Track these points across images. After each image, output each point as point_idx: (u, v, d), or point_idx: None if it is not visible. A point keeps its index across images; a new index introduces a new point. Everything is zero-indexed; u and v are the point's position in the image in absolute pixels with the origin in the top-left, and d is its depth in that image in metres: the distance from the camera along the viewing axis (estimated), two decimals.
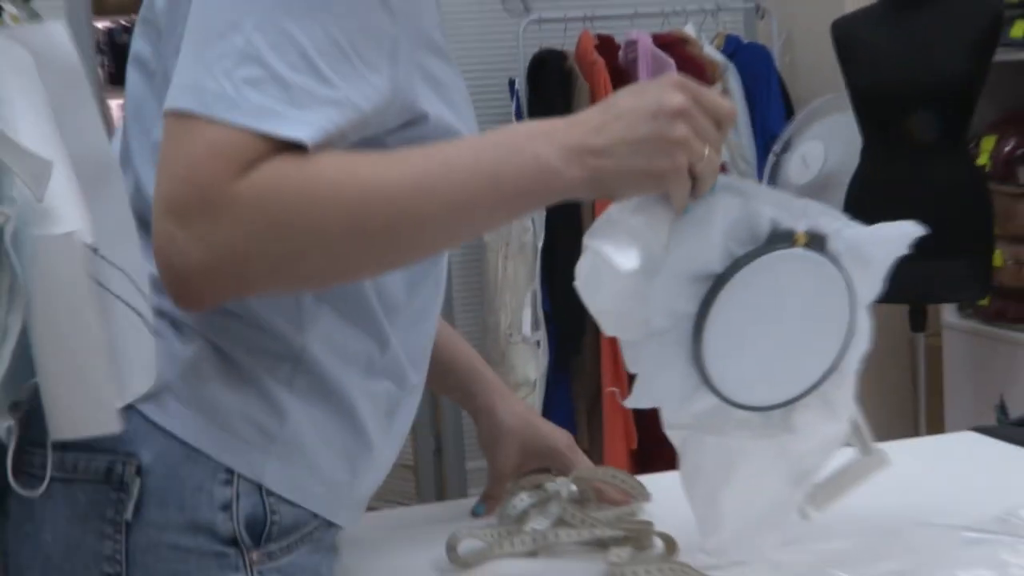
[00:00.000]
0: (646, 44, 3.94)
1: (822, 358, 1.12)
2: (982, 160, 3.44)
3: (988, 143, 3.47)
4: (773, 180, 3.97)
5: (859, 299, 1.10)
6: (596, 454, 3.90)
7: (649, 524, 1.40)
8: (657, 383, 1.09)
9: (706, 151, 1.00)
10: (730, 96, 3.98)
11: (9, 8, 2.53)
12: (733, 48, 4.13)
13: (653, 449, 3.68)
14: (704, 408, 1.11)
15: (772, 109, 4.10)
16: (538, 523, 1.44)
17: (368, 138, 1.03)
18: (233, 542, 1.05)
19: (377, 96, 1.00)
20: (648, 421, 3.79)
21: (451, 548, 1.38)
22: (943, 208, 3.16)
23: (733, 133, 3.96)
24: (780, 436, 1.15)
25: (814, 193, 3.62)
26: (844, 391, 1.17)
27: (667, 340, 1.06)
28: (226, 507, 1.04)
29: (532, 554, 1.40)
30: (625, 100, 1.01)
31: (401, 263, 1.09)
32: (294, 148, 0.94)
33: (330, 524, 1.14)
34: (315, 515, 1.11)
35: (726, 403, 1.11)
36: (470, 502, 1.57)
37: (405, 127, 1.06)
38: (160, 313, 1.05)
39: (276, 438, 1.07)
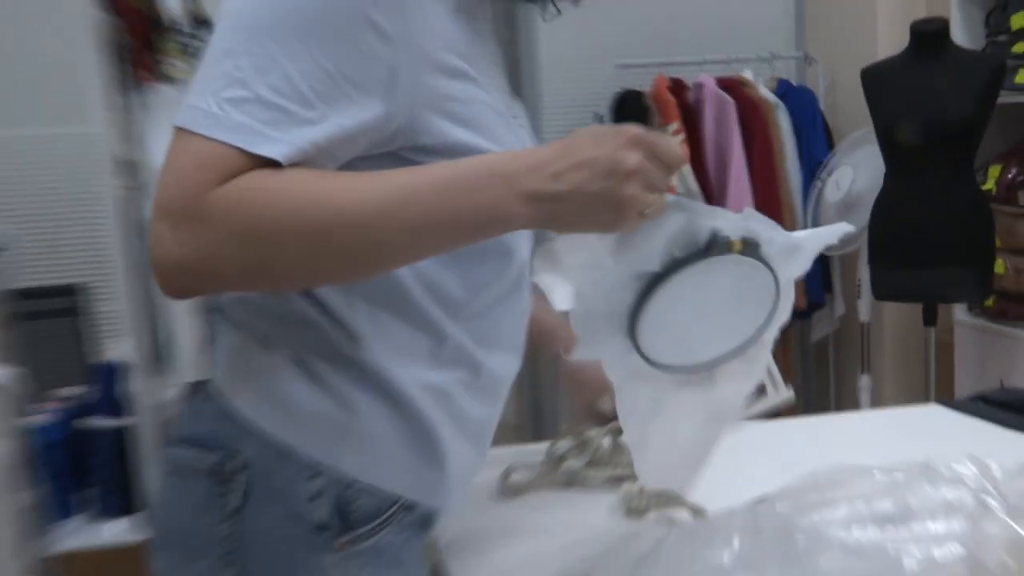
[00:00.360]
0: (711, 86, 4.03)
1: (744, 333, 1.17)
2: (988, 186, 3.45)
3: (994, 171, 3.47)
4: (817, 200, 3.99)
5: (784, 288, 1.13)
6: None
7: None
8: (598, 346, 1.12)
9: (655, 198, 0.99)
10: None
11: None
12: (784, 90, 4.17)
13: None
14: (637, 365, 1.13)
15: (816, 142, 4.11)
16: (574, 463, 1.54)
17: (391, 153, 1.03)
18: (322, 528, 1.07)
19: (365, 116, 0.99)
20: None
21: (504, 478, 1.50)
22: (953, 225, 3.33)
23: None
24: (703, 384, 1.19)
25: (845, 210, 3.81)
26: (763, 351, 1.22)
27: (611, 316, 1.09)
28: (314, 498, 1.07)
29: (568, 486, 1.52)
30: (584, 149, 0.97)
31: (365, 276, 1.06)
32: (271, 164, 0.95)
33: (412, 507, 1.13)
34: (393, 500, 1.11)
35: (655, 367, 1.15)
36: (529, 447, 1.63)
37: (426, 147, 1.04)
38: (252, 327, 1.12)
39: (350, 432, 1.08)
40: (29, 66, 3.70)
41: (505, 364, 1.22)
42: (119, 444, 2.25)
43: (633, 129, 0.99)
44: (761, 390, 1.37)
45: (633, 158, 0.96)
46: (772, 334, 1.20)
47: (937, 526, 1.02)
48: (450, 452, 1.14)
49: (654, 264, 1.05)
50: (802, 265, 1.15)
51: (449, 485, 1.16)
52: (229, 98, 0.93)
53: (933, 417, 1.75)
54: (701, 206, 1.05)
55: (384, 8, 0.99)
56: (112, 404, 1.99)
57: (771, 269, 1.09)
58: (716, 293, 1.10)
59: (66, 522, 1.93)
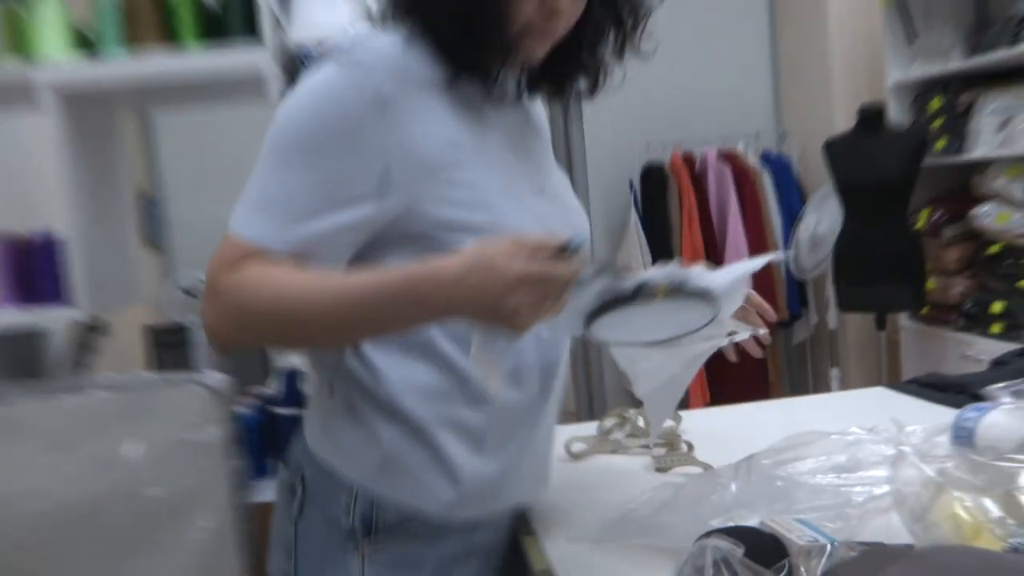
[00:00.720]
0: (712, 157, 4.06)
1: (685, 329, 1.04)
2: (920, 225, 3.47)
3: (924, 214, 3.48)
4: (794, 239, 3.96)
5: (719, 305, 0.98)
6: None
7: (678, 436, 1.45)
8: (563, 326, 0.96)
9: (548, 307, 0.85)
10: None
11: None
12: (767, 158, 4.15)
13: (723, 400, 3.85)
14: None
15: (792, 196, 4.10)
16: (618, 435, 1.51)
17: (411, 234, 0.96)
18: (351, 534, 1.02)
19: (356, 216, 0.93)
20: (721, 383, 4.07)
21: (567, 447, 1.46)
22: (895, 254, 3.35)
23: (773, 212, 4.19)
24: (670, 348, 1.10)
25: (814, 246, 3.79)
26: (721, 325, 1.10)
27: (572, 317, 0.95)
28: (347, 510, 1.02)
29: (613, 452, 1.48)
30: (478, 277, 0.84)
31: (330, 347, 1.01)
32: (272, 254, 0.91)
33: (428, 519, 1.03)
34: (411, 514, 1.03)
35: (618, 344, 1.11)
36: (583, 425, 1.55)
37: (424, 232, 0.96)
38: (323, 376, 1.07)
39: (377, 459, 1.01)
40: None
41: (522, 394, 1.06)
42: (298, 427, 2.30)
43: (524, 258, 0.83)
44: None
45: (515, 298, 0.83)
46: (728, 312, 1.09)
47: (875, 472, 1.02)
48: (464, 472, 1.03)
49: (588, 309, 0.94)
50: (739, 289, 1.06)
51: (468, 499, 1.04)
52: (250, 207, 0.93)
53: (880, 397, 1.73)
54: (626, 272, 0.93)
55: (371, 124, 0.92)
56: (292, 398, 2.05)
57: (703, 297, 0.95)
58: (652, 319, 0.98)
59: (260, 481, 1.99)
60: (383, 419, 1.01)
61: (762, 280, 3.96)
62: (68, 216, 1.71)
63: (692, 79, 4.37)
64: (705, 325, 1.03)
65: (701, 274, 0.96)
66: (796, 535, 0.93)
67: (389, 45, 0.97)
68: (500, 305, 0.83)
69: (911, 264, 3.36)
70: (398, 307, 0.88)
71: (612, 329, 0.98)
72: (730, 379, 3.98)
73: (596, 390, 4.29)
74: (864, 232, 3.43)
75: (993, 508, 0.76)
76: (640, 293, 0.93)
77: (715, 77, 4.41)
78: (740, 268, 1.04)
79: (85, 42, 1.86)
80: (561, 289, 0.85)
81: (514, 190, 1.03)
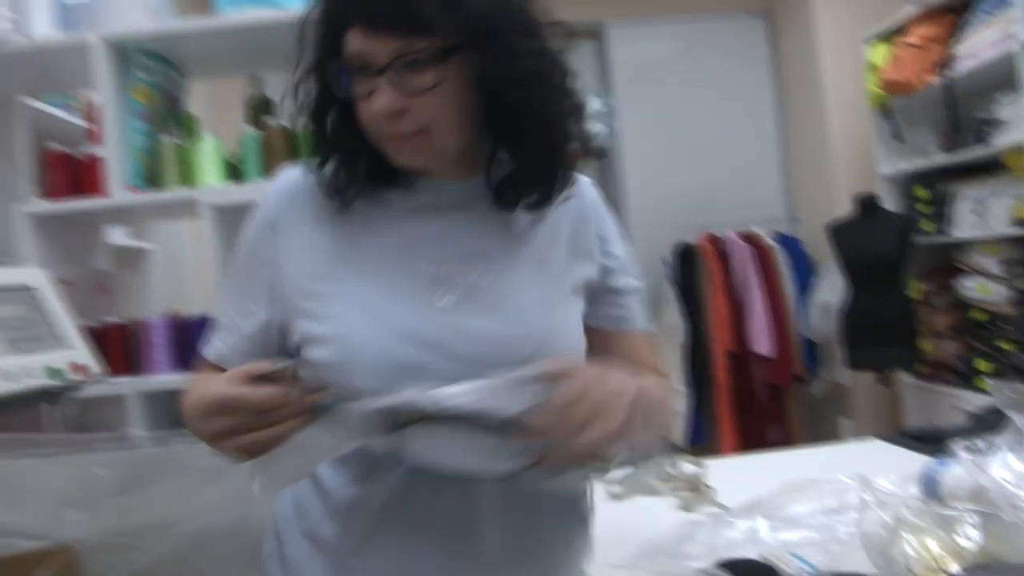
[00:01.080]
0: (734, 239, 4.05)
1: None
2: (914, 294, 3.43)
3: (917, 285, 3.45)
4: (806, 307, 3.95)
5: (498, 413, 0.70)
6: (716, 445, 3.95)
7: (702, 481, 1.44)
8: (299, 459, 0.75)
9: (247, 437, 0.70)
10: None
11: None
12: (782, 239, 4.11)
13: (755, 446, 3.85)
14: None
15: (804, 271, 4.04)
16: (649, 479, 1.49)
17: (295, 344, 0.86)
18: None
19: (257, 323, 0.87)
20: (749, 431, 4.07)
21: (606, 489, 1.42)
22: (893, 320, 3.31)
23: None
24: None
25: (824, 313, 3.75)
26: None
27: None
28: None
29: (646, 494, 1.47)
30: (191, 398, 0.78)
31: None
32: (204, 362, 0.89)
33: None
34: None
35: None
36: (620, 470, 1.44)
37: (300, 340, 0.85)
38: None
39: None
40: None
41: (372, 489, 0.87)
42: None
43: (224, 381, 0.72)
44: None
45: (215, 423, 0.71)
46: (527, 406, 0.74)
47: (852, 514, 1.03)
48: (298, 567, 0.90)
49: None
50: (516, 396, 0.72)
51: None
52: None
53: (873, 448, 1.71)
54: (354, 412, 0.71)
55: (264, 242, 0.88)
56: None
57: (457, 416, 0.71)
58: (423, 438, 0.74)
59: None
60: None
61: (781, 341, 3.97)
62: (218, 301, 1.81)
63: (716, 175, 4.41)
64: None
65: (448, 395, 0.72)
66: (788, 565, 0.99)
67: (298, 173, 0.90)
68: (200, 429, 0.75)
69: (907, 329, 3.31)
70: (190, 417, 0.79)
71: (421, 449, 0.79)
72: (757, 428, 3.98)
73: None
74: (865, 301, 3.39)
75: (934, 547, 0.81)
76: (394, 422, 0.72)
77: (735, 172, 4.45)
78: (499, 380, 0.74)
79: (234, 170, 1.95)
80: (253, 414, 0.69)
81: (379, 303, 0.84)
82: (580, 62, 3.75)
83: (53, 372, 0.98)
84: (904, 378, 3.64)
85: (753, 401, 3.97)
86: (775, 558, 1.02)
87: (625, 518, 1.39)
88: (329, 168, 0.86)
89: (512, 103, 0.79)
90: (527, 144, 0.83)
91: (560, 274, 0.89)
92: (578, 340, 0.89)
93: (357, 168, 0.86)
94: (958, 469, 1.09)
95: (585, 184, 0.96)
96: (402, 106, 0.77)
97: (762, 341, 3.90)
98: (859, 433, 3.85)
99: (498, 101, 0.78)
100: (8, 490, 1.47)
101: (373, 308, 0.83)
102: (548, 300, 0.86)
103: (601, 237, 0.96)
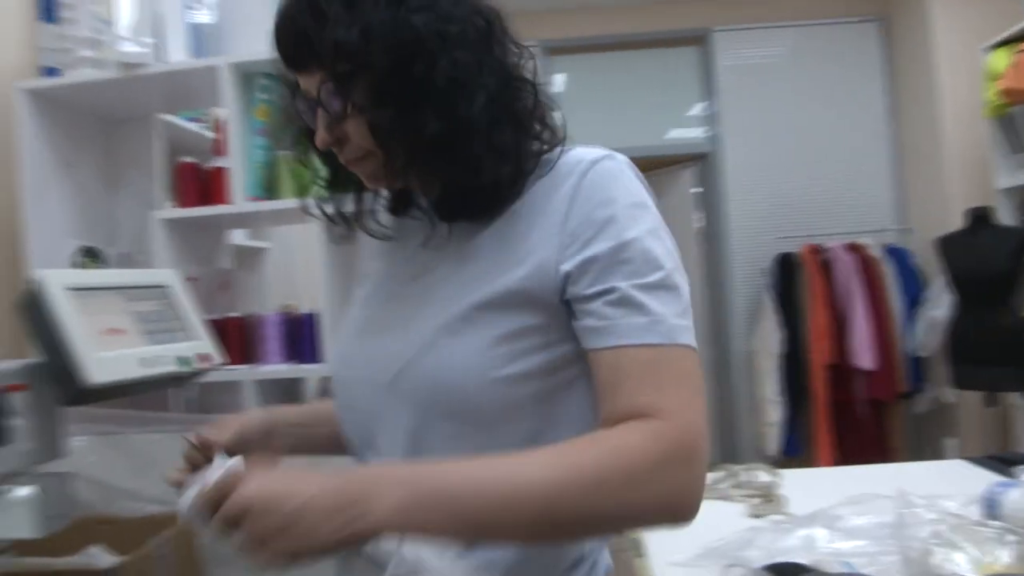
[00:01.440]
0: (838, 250, 4.01)
1: None
2: None
3: None
4: (914, 323, 3.86)
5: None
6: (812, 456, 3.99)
7: (774, 490, 1.48)
8: None
9: (278, 546, 0.59)
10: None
11: None
12: (890, 251, 4.05)
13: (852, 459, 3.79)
14: None
15: (912, 284, 3.96)
16: (723, 486, 1.56)
17: None
18: None
19: None
20: (849, 446, 3.99)
21: None
22: (1001, 341, 3.20)
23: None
24: None
25: (930, 328, 3.67)
26: None
27: None
28: None
29: (720, 499, 1.54)
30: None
31: None
32: None
33: None
34: None
35: None
36: None
37: None
38: None
39: None
40: None
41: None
42: None
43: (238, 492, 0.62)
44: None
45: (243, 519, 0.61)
46: None
47: (912, 531, 1.04)
48: None
49: None
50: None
51: None
52: None
53: (956, 468, 1.70)
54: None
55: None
56: None
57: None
58: None
59: None
60: None
61: (885, 356, 3.89)
62: (323, 298, 1.88)
63: (822, 183, 4.39)
64: None
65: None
66: (837, 572, 1.04)
67: None
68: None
69: (1016, 349, 3.18)
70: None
71: None
72: (856, 443, 3.90)
73: (728, 440, 4.30)
74: (974, 318, 3.33)
75: (962, 563, 0.85)
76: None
77: (843, 181, 4.39)
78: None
79: None
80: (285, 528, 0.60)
81: (357, 324, 0.84)
82: (683, 67, 3.80)
83: (183, 360, 1.13)
84: (1014, 399, 3.51)
85: (853, 416, 3.91)
86: (826, 565, 1.07)
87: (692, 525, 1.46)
88: (336, 198, 0.85)
89: (410, 118, 0.72)
90: (441, 157, 0.74)
91: (491, 289, 0.74)
92: (477, 365, 0.72)
93: (360, 197, 0.85)
94: (1017, 491, 1.12)
95: (579, 164, 0.75)
96: (336, 135, 0.76)
97: (864, 355, 3.84)
98: (964, 453, 3.72)
99: (403, 117, 0.72)
100: (140, 461, 1.66)
101: (351, 331, 0.85)
102: (455, 319, 0.74)
103: (575, 231, 0.73)
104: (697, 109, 4.58)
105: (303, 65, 0.75)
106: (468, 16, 0.73)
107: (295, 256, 2.90)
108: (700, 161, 4.60)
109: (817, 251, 4.07)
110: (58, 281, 1.05)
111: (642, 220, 0.72)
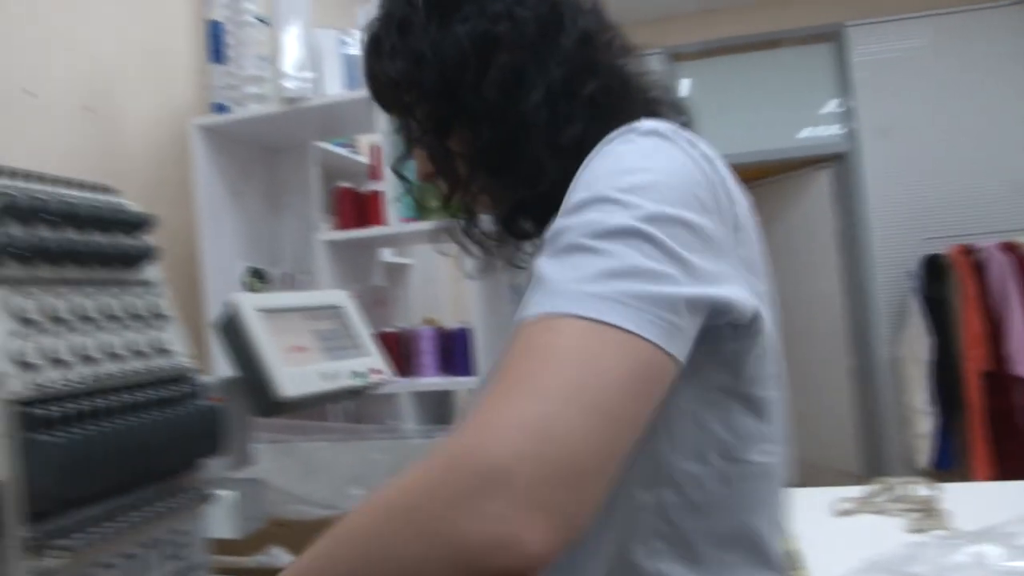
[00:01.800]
0: (992, 249, 3.80)
1: None
2: None
3: None
4: None
5: None
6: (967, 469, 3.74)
7: (934, 504, 1.45)
8: None
9: None
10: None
11: None
12: None
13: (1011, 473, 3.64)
14: None
15: None
16: (881, 499, 1.54)
17: None
18: None
19: None
20: (1009, 459, 3.78)
21: (838, 505, 1.44)
22: None
23: None
24: None
25: None
26: None
27: None
28: None
29: (876, 513, 1.49)
30: None
31: None
32: None
33: None
34: None
35: None
36: (854, 488, 1.52)
37: None
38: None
39: None
40: None
41: None
42: None
43: None
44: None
45: None
46: None
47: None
48: None
49: None
50: None
51: None
52: None
53: None
54: None
55: None
56: None
57: None
58: None
59: None
60: None
61: None
62: (476, 313, 1.96)
63: (971, 180, 4.15)
64: None
65: None
66: None
67: None
68: None
69: None
70: None
71: None
72: (1017, 456, 3.67)
73: (875, 451, 4.13)
74: None
75: None
76: None
77: (995, 177, 4.13)
78: None
79: None
80: None
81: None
82: (814, 66, 3.65)
83: (358, 375, 1.22)
84: None
85: (1013, 427, 3.67)
86: None
87: (850, 533, 1.47)
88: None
89: (464, 136, 0.70)
90: (497, 166, 0.69)
91: None
92: None
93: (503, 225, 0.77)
94: None
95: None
96: (425, 170, 0.75)
97: (1023, 362, 3.60)
98: None
99: (457, 137, 0.70)
100: (305, 467, 1.81)
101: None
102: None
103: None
104: (831, 106, 4.44)
105: (381, 103, 0.76)
106: (525, 5, 0.67)
107: (437, 272, 3.03)
108: (836, 161, 4.45)
109: (968, 252, 3.86)
110: (250, 303, 1.13)
111: (613, 200, 0.54)
